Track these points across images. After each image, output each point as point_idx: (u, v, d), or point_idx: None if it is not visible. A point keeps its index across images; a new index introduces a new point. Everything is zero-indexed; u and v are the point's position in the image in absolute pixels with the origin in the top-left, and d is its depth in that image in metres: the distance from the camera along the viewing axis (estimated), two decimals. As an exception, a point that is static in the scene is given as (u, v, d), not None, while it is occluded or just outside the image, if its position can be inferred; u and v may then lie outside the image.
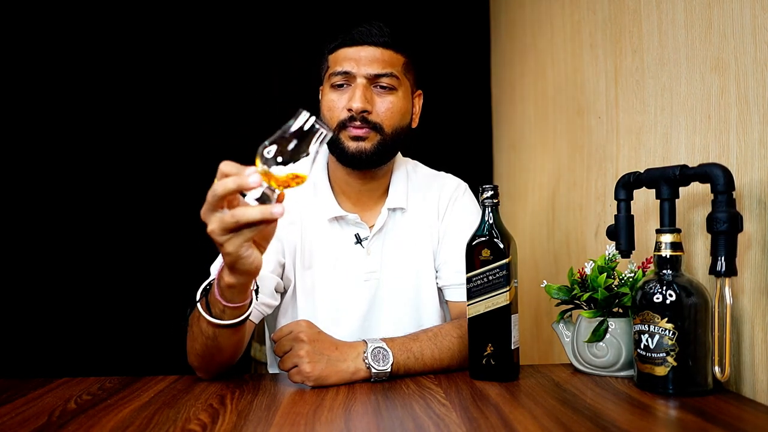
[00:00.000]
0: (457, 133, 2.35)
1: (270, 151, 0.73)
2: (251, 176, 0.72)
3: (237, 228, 0.73)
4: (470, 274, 0.95)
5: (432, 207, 1.21)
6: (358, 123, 1.08)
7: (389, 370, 0.95)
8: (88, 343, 2.17)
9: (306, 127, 0.74)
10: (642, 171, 0.95)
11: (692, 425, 0.71)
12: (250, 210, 0.72)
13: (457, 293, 1.17)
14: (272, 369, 1.25)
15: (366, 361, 0.94)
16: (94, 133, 2.20)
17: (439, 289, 1.20)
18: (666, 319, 0.82)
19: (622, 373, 0.95)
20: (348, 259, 1.15)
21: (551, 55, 1.68)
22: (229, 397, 0.87)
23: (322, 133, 0.75)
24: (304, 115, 0.75)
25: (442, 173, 1.29)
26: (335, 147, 1.11)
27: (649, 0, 1.12)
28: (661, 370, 0.83)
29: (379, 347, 0.96)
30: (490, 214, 0.95)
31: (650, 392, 0.84)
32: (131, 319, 2.20)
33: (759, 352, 0.82)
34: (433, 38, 2.32)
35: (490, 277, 0.93)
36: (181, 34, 2.24)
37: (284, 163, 0.73)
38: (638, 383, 0.87)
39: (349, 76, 1.09)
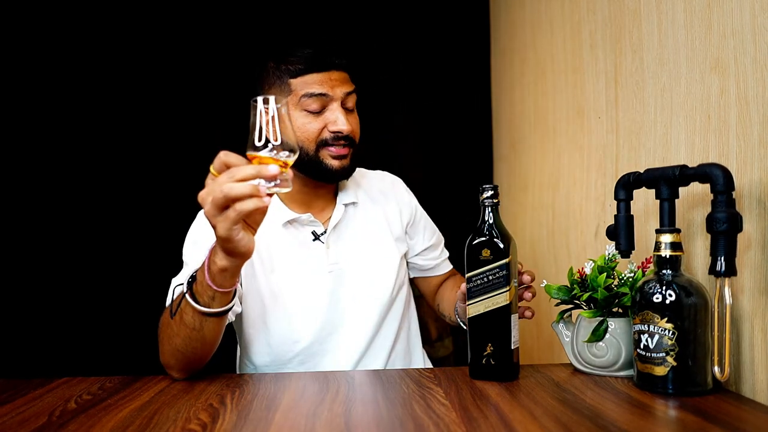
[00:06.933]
0: (457, 134, 2.35)
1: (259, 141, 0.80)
2: (270, 166, 0.77)
3: (226, 205, 0.78)
4: (470, 274, 0.95)
5: (379, 197, 1.34)
6: (342, 143, 1.16)
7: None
8: (88, 343, 2.17)
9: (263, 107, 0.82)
10: (642, 171, 0.95)
11: (692, 425, 0.71)
12: (239, 185, 0.77)
13: (438, 268, 1.40)
14: (268, 369, 1.25)
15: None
16: (95, 136, 2.20)
17: (410, 272, 1.39)
18: (666, 319, 0.82)
19: (622, 373, 0.95)
20: (309, 255, 1.22)
21: (551, 55, 1.68)
22: (229, 397, 0.87)
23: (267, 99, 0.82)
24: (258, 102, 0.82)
25: (373, 171, 1.42)
26: (314, 165, 1.16)
27: (649, 0, 1.12)
28: (660, 370, 0.83)
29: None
30: (490, 214, 0.95)
31: (650, 392, 0.84)
32: (132, 319, 2.19)
33: (758, 352, 0.82)
34: (433, 39, 2.32)
35: (490, 277, 0.93)
36: (178, 35, 2.24)
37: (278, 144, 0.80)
38: (638, 383, 0.87)
39: (325, 99, 1.14)
